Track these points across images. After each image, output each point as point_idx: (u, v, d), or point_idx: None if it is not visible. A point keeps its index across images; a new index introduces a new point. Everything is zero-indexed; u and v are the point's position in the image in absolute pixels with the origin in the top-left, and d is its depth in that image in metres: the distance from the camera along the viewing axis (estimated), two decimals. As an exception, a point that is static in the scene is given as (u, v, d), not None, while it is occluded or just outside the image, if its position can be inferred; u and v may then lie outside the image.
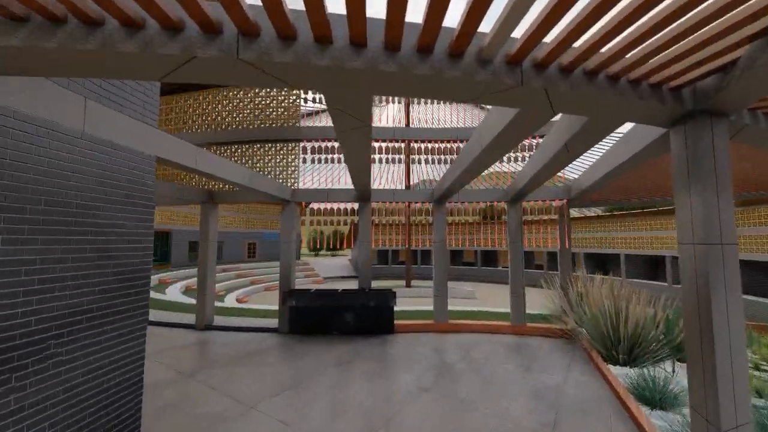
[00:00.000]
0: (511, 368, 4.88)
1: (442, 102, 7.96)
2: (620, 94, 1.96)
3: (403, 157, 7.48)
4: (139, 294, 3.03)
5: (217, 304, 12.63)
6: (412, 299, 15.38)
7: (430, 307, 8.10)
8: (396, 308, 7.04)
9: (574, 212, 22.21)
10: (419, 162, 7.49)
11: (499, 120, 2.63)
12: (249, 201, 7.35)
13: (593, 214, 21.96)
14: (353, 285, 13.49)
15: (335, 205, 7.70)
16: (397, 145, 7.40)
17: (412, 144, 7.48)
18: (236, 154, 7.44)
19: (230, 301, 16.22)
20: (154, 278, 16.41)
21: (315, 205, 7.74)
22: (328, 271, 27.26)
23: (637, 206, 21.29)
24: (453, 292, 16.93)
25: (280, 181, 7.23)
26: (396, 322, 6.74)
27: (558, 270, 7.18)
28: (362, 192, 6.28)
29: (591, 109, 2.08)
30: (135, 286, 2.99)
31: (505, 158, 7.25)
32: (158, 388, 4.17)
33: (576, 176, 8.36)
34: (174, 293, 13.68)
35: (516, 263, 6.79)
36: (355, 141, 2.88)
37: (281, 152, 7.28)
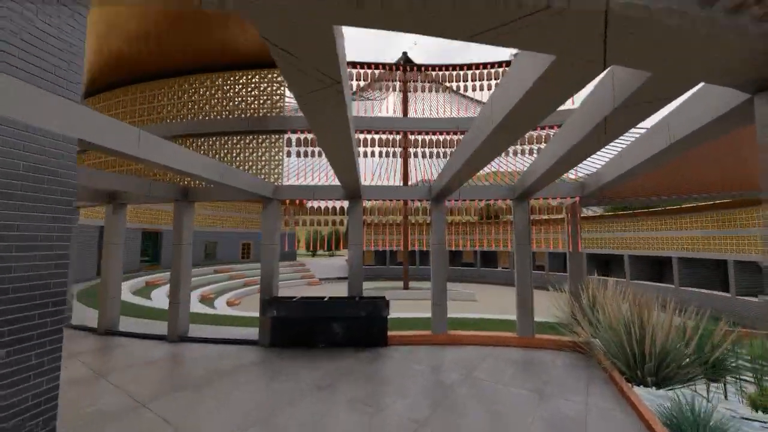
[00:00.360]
0: (521, 392, 4.21)
1: (443, 91, 7.28)
2: (713, 26, 1.28)
3: (399, 150, 6.79)
4: (48, 316, 2.34)
5: (206, 309, 11.94)
6: (410, 302, 14.71)
7: (429, 314, 7.43)
8: (391, 315, 6.36)
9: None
10: (419, 156, 6.79)
11: (520, 83, 1.94)
12: (226, 199, 6.66)
13: (595, 214, 21.36)
14: (347, 288, 12.74)
15: (333, 203, 6.99)
16: (392, 137, 6.72)
17: (409, 136, 6.80)
18: (214, 147, 6.74)
19: (221, 303, 15.56)
20: (141, 281, 15.70)
21: (313, 203, 7.00)
22: (325, 272, 26.61)
23: (641, 206, 20.67)
24: (452, 294, 16.28)
25: (263, 177, 6.54)
26: (390, 333, 6.05)
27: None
28: (350, 188, 5.59)
29: (663, 55, 1.40)
30: (41, 306, 2.30)
31: (510, 150, 6.57)
32: (99, 422, 3.48)
33: (585, 173, 7.69)
34: (160, 297, 12.95)
35: (524, 269, 6.10)
36: (327, 114, 2.18)
37: (263, 145, 6.59)
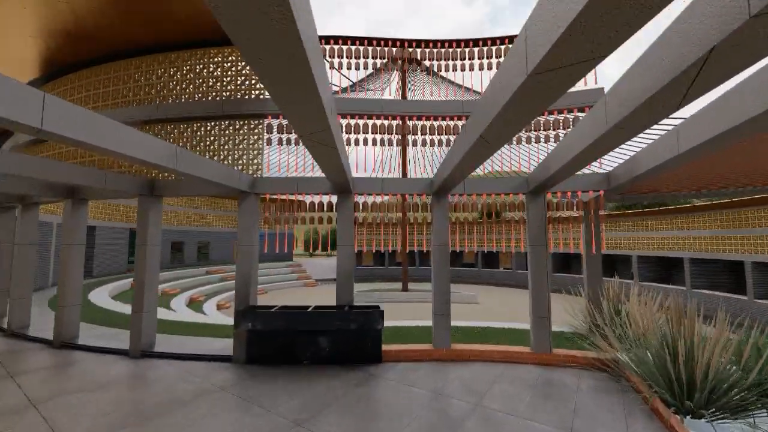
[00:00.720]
0: (545, 429, 3.40)
1: (446, 71, 6.46)
2: None
3: (397, 137, 5.98)
4: None
5: (189, 315, 11.09)
6: (409, 305, 13.90)
7: (429, 321, 6.63)
8: (388, 323, 5.58)
9: (574, 212, 20.83)
10: (418, 144, 5.97)
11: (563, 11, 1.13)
12: (196, 194, 5.81)
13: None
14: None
15: (320, 198, 6.15)
16: (389, 122, 5.89)
17: (408, 121, 5.98)
18: (185, 133, 5.92)
19: (210, 307, 14.76)
20: (126, 283, 14.86)
21: (312, 199, 6.14)
22: (322, 273, 25.82)
23: (648, 204, 19.88)
24: (453, 296, 15.40)
25: (240, 168, 5.73)
26: (385, 347, 5.25)
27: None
28: (337, 180, 4.77)
29: None
30: None
31: (523, 137, 5.74)
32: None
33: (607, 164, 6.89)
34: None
35: (539, 273, 5.29)
36: (277, 63, 1.35)
37: (240, 132, 5.77)
